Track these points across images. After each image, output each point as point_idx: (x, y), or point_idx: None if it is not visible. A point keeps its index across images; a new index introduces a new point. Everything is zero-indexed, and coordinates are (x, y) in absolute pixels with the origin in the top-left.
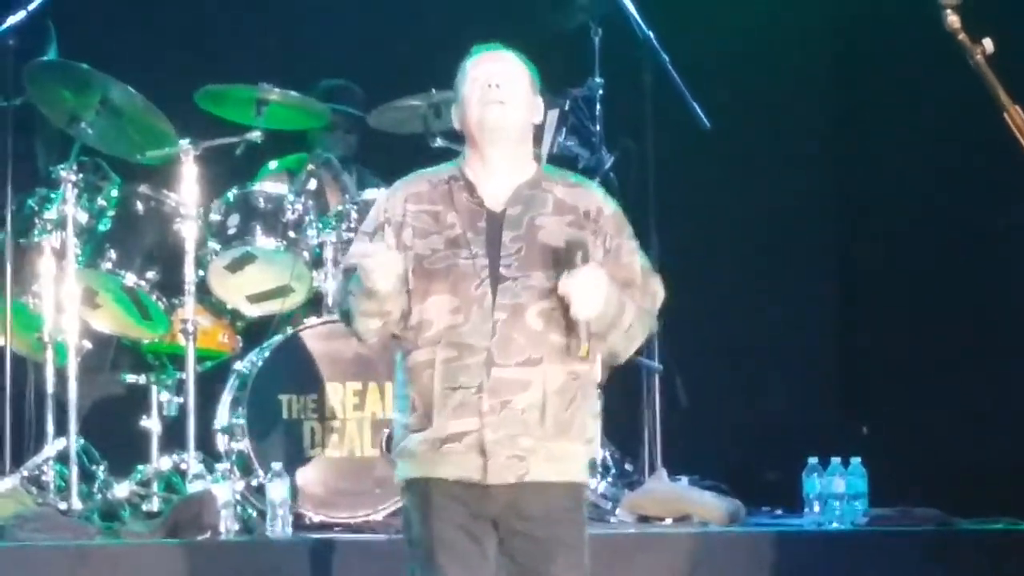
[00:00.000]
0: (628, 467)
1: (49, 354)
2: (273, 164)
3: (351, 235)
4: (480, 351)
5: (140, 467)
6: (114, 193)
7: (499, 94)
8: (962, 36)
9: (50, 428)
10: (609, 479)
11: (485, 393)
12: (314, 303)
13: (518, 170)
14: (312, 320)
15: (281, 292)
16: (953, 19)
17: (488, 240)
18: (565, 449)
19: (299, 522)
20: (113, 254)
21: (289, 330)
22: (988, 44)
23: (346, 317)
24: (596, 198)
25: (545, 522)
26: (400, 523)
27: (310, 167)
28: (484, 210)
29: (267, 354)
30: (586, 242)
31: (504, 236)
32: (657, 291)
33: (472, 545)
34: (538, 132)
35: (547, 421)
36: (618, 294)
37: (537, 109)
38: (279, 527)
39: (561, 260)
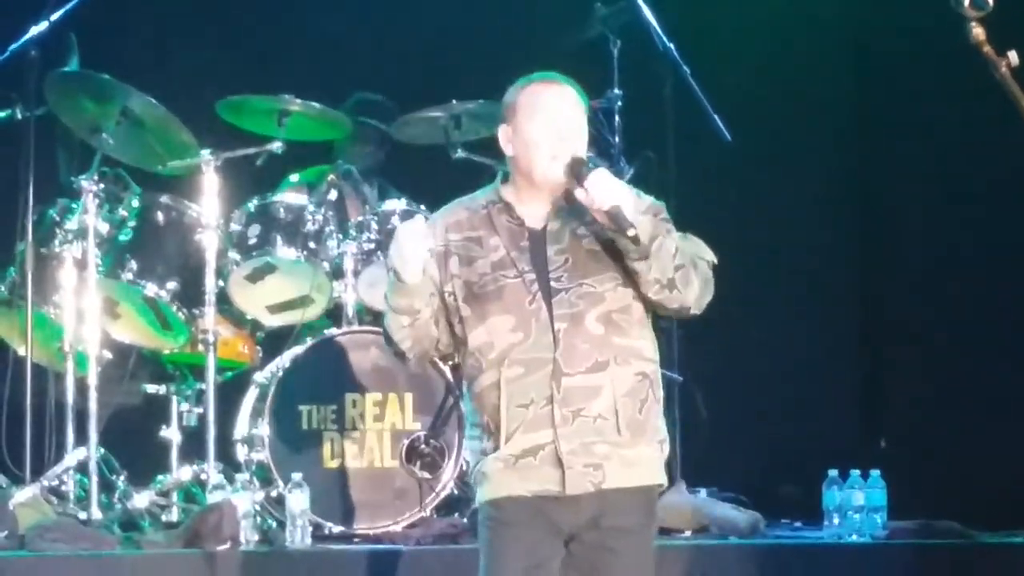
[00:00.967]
0: None
1: (70, 364)
2: (295, 176)
3: (371, 246)
4: (546, 364)
5: (160, 477)
6: (135, 203)
7: (572, 151)
8: (987, 49)
9: (70, 438)
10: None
11: (556, 404)
12: (334, 314)
13: (555, 189)
14: (332, 331)
15: (301, 303)
16: (978, 31)
17: (533, 257)
18: (639, 453)
19: (318, 533)
20: (134, 264)
21: (309, 341)
22: (1013, 57)
23: (387, 334)
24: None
25: (622, 533)
26: (419, 534)
27: (331, 178)
28: (525, 229)
29: (287, 364)
30: (625, 288)
31: (549, 251)
32: (703, 249)
33: (545, 559)
34: None
35: (621, 425)
36: (654, 219)
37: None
38: (298, 537)
39: (569, 174)
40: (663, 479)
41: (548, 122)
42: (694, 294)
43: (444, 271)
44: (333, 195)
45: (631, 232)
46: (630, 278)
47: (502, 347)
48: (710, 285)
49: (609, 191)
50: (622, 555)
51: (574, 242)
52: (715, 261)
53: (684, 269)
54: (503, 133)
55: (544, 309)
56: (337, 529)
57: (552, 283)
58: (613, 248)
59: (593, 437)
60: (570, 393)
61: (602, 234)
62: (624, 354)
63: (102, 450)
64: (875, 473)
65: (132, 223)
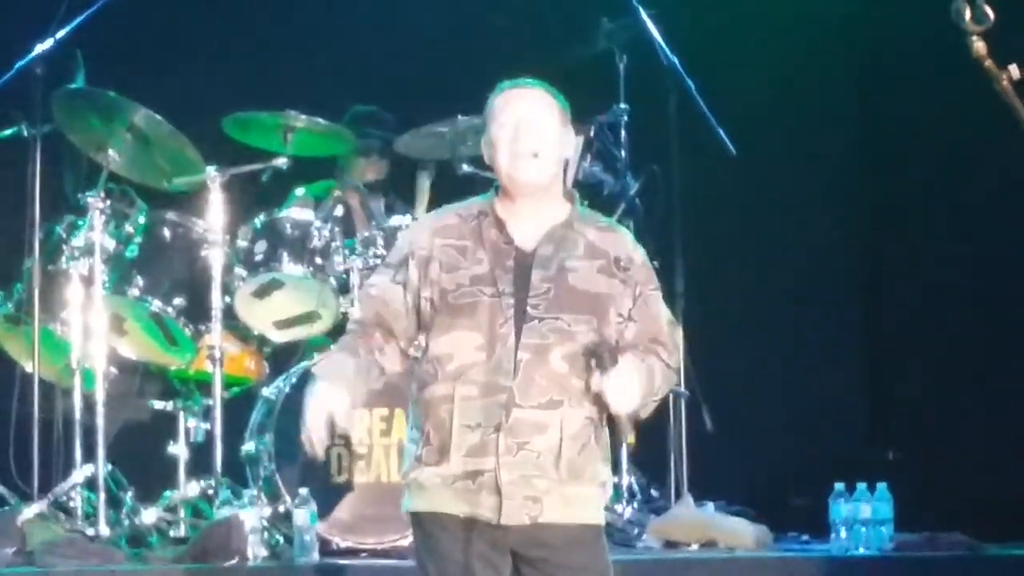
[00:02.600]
0: (654, 493)
1: (77, 380)
2: (301, 191)
3: (378, 261)
4: (502, 390)
5: (167, 493)
6: (141, 220)
7: (529, 146)
8: (988, 63)
9: (78, 454)
10: (635, 505)
11: (503, 433)
12: (341, 329)
13: (550, 209)
14: None
15: (308, 318)
16: (979, 46)
17: (515, 279)
18: (579, 492)
19: (326, 548)
20: (140, 281)
21: (316, 356)
22: (1014, 70)
23: None
24: (627, 245)
25: (565, 549)
26: None
27: (337, 193)
28: (513, 248)
29: (294, 380)
30: (610, 342)
31: (534, 276)
32: (679, 343)
33: (491, 572)
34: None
35: (561, 465)
36: (648, 374)
37: (568, 142)
38: (306, 553)
39: (590, 361)
40: (602, 520)
41: (507, 122)
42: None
43: (424, 275)
44: (339, 211)
45: (628, 439)
46: (604, 326)
47: (462, 363)
48: (672, 384)
49: (623, 399)
50: (565, 569)
51: (560, 273)
52: (680, 346)
53: (657, 403)
54: (484, 147)
55: (512, 335)
56: (344, 544)
57: (529, 309)
58: (596, 350)
59: (533, 471)
60: (518, 425)
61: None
62: (579, 396)
63: (110, 466)
64: (882, 486)
65: (138, 239)
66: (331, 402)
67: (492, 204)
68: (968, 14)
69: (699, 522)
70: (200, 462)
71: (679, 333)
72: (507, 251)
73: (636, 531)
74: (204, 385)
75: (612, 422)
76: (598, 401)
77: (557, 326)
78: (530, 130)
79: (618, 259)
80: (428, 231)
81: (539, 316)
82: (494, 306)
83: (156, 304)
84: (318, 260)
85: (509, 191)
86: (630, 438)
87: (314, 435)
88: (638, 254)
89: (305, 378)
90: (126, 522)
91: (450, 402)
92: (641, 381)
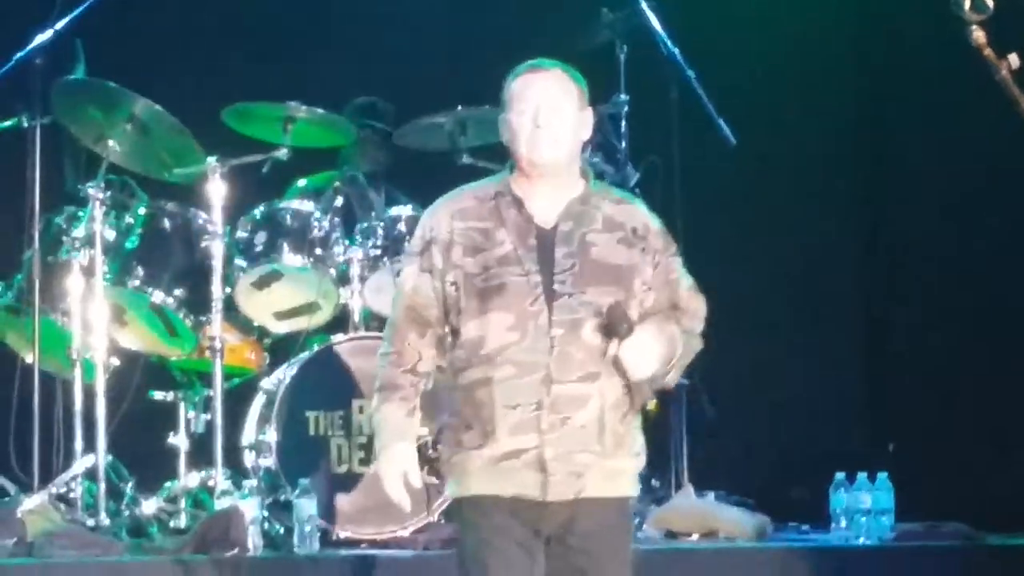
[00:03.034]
0: (655, 483)
1: (77, 371)
2: (302, 182)
3: (377, 252)
4: (539, 368)
5: (168, 484)
6: (141, 211)
7: (549, 132)
8: (988, 52)
9: (78, 445)
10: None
11: (545, 410)
12: (341, 320)
13: (566, 186)
14: (339, 337)
15: (308, 309)
16: (978, 35)
17: (540, 257)
18: (619, 465)
19: (326, 538)
20: (140, 272)
21: (316, 347)
22: (1014, 59)
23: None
24: (642, 215)
25: (598, 536)
26: (426, 539)
27: (337, 184)
28: (534, 226)
29: (294, 371)
30: (625, 306)
31: (557, 252)
32: (701, 309)
33: (527, 560)
34: None
35: (605, 436)
36: (668, 339)
37: (586, 123)
38: (306, 543)
39: (606, 327)
40: (637, 491)
41: (527, 108)
42: (679, 376)
43: (447, 260)
44: (339, 201)
45: (650, 405)
46: (631, 296)
47: (496, 345)
48: (696, 351)
49: (640, 365)
50: (601, 558)
51: (582, 247)
52: (706, 313)
53: (681, 369)
54: (501, 126)
55: (545, 312)
56: (344, 534)
57: (555, 286)
58: (611, 314)
59: (576, 446)
60: (559, 400)
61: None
62: (615, 366)
63: (110, 457)
64: (882, 476)
65: (139, 230)
66: (401, 463)
67: (508, 184)
68: (967, 3)
69: (700, 512)
70: (200, 453)
71: (701, 299)
72: (528, 229)
73: (637, 521)
74: (204, 376)
75: (631, 390)
76: (618, 368)
77: (585, 300)
78: (550, 116)
79: (635, 229)
80: (446, 215)
81: (567, 292)
82: (522, 285)
83: (156, 295)
84: (318, 251)
85: (527, 173)
86: (651, 404)
87: (398, 500)
88: (654, 223)
89: (304, 369)
90: (126, 513)
91: (488, 384)
92: (660, 347)
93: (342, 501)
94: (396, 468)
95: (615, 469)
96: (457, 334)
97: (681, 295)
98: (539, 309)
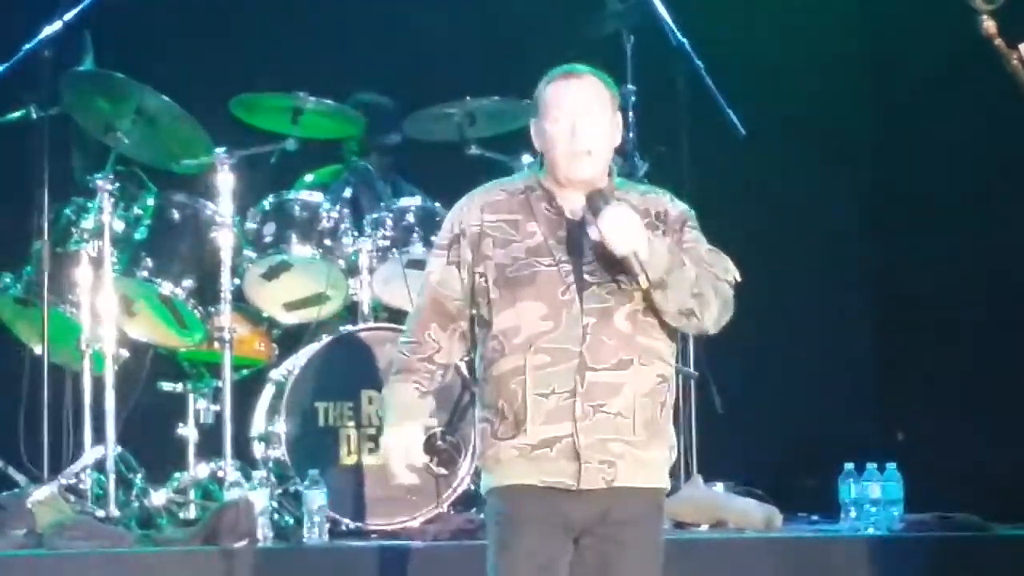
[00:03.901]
0: None
1: (87, 363)
2: (310, 177)
3: (386, 243)
4: (573, 356)
5: (177, 475)
6: (150, 202)
7: (585, 145)
8: (998, 42)
9: (88, 436)
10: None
11: (578, 398)
12: (350, 311)
13: (595, 183)
14: (348, 328)
15: (317, 300)
16: (989, 24)
17: (569, 247)
18: (652, 456)
19: (335, 529)
20: (149, 263)
21: (325, 338)
22: None
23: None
24: (664, 200)
25: (630, 526)
26: (435, 529)
27: (346, 175)
28: (564, 219)
29: (303, 362)
30: (605, 191)
31: (585, 243)
32: (727, 265)
33: (556, 552)
34: None
35: (638, 425)
36: (672, 247)
37: (618, 127)
38: (315, 534)
39: (590, 212)
40: (668, 484)
41: (563, 120)
42: (712, 318)
43: (477, 252)
44: (348, 192)
45: (643, 283)
46: None
47: (529, 333)
48: (729, 306)
49: (623, 236)
50: (630, 547)
51: None
52: (738, 278)
53: (702, 296)
54: (532, 127)
55: (577, 301)
56: (354, 525)
57: (585, 276)
58: (591, 197)
59: (610, 434)
60: (593, 388)
61: (613, 263)
62: (647, 355)
63: (119, 448)
64: (891, 466)
65: (147, 221)
66: (406, 442)
67: (539, 179)
68: None
69: (709, 503)
70: (209, 444)
71: (726, 258)
72: (558, 221)
73: None
74: (213, 367)
75: (625, 271)
76: (610, 259)
77: (615, 287)
78: (585, 128)
79: (658, 214)
80: (477, 208)
81: (597, 281)
82: (553, 275)
83: (165, 286)
84: (327, 242)
85: (562, 183)
86: (643, 283)
87: (401, 479)
88: (675, 206)
89: (313, 360)
90: (136, 504)
91: (522, 373)
92: (650, 237)
93: (351, 492)
94: (401, 446)
95: (647, 459)
96: (489, 325)
97: (700, 254)
98: (571, 298)
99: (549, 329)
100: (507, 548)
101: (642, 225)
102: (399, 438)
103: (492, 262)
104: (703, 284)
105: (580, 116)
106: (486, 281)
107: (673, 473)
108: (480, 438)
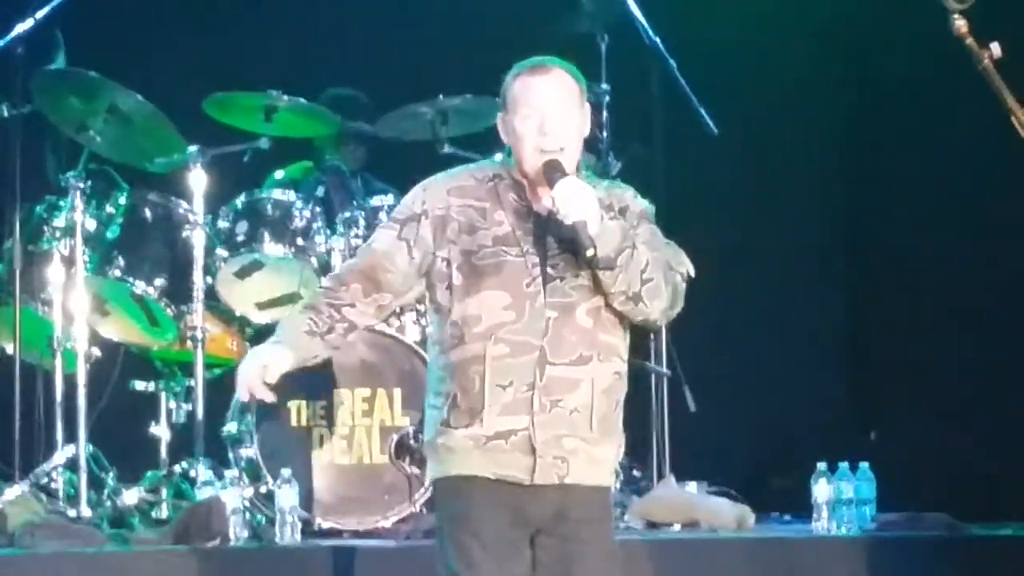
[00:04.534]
0: (636, 473)
1: (58, 362)
2: (279, 173)
3: (359, 241)
4: (533, 349)
5: (149, 474)
6: (122, 200)
7: (554, 142)
8: (969, 41)
9: (59, 435)
10: (617, 485)
11: (537, 391)
12: None
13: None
14: None
15: (290, 299)
16: (960, 23)
17: (536, 240)
18: (603, 452)
19: (308, 529)
20: (122, 261)
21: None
22: (996, 48)
23: None
24: (628, 196)
25: (586, 524)
26: (408, 529)
27: (318, 174)
28: (531, 211)
29: None
30: (560, 162)
31: (550, 237)
32: (682, 258)
33: (511, 549)
34: None
35: (594, 421)
36: (625, 229)
37: (586, 120)
38: (288, 534)
39: (545, 180)
40: (612, 482)
41: (532, 117)
42: (660, 307)
43: (441, 235)
44: (320, 191)
45: (588, 252)
46: None
47: (491, 323)
48: (680, 298)
49: (574, 204)
50: (591, 545)
51: None
52: (692, 273)
53: (653, 283)
54: (500, 122)
55: (541, 294)
56: (327, 525)
57: (549, 270)
58: (548, 167)
59: (565, 430)
60: (552, 382)
61: (564, 237)
62: (606, 351)
63: (91, 447)
64: (864, 466)
65: (120, 220)
66: (265, 359)
67: (508, 169)
68: None
69: (681, 502)
70: (182, 443)
71: (681, 252)
72: (526, 213)
73: (618, 511)
74: (186, 366)
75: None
76: (562, 230)
77: (578, 283)
78: (555, 125)
79: (622, 209)
80: (443, 190)
81: (560, 275)
82: (520, 266)
83: (138, 285)
84: (299, 241)
85: (530, 177)
86: (589, 251)
87: (241, 381)
88: (638, 202)
89: None
90: (108, 503)
91: (481, 363)
92: (593, 199)
93: (324, 491)
94: (258, 362)
95: (599, 456)
96: (447, 311)
97: (656, 247)
98: (536, 291)
99: (511, 320)
100: (460, 544)
101: (595, 199)
102: (261, 356)
103: (457, 247)
104: (654, 271)
105: (549, 112)
106: (448, 266)
107: (644, 472)
108: (429, 424)
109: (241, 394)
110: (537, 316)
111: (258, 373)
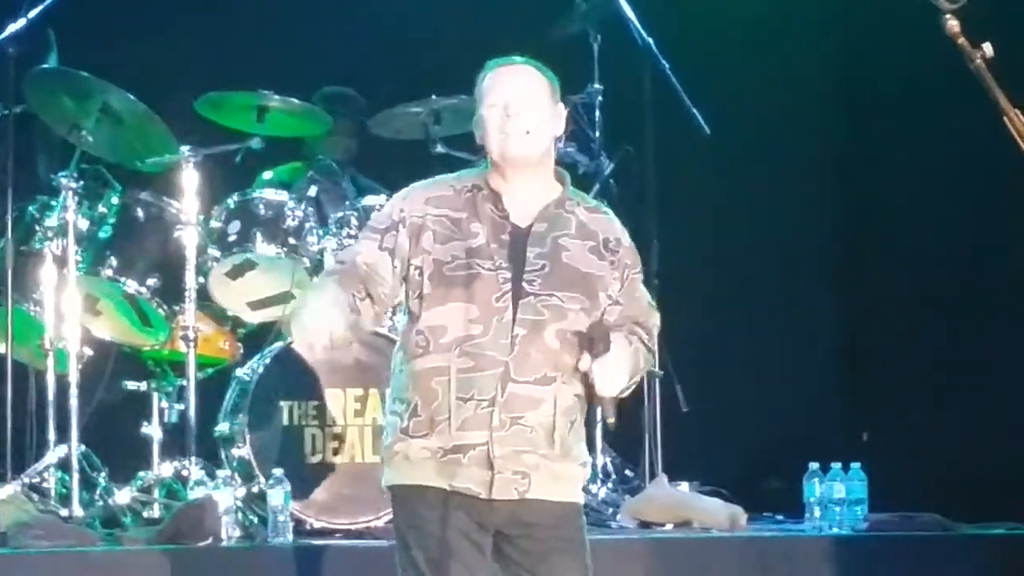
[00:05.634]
0: (629, 473)
1: (50, 361)
2: (268, 174)
3: (351, 241)
4: (498, 364)
5: (141, 474)
6: (115, 200)
7: (519, 124)
8: (962, 40)
9: (51, 435)
10: (610, 485)
11: (497, 407)
12: None
13: (542, 186)
14: None
15: (282, 299)
16: (952, 23)
17: (511, 254)
18: (566, 469)
19: (300, 528)
20: (114, 261)
21: (290, 336)
22: (988, 48)
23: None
24: (615, 228)
25: (546, 527)
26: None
27: (311, 173)
28: (509, 223)
29: (268, 361)
30: (607, 329)
31: (529, 252)
32: (657, 326)
33: (474, 551)
34: None
35: (555, 441)
36: (633, 356)
37: (559, 119)
38: (280, 533)
39: (589, 341)
40: (582, 499)
41: (497, 102)
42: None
43: (416, 244)
44: (312, 191)
45: (610, 420)
46: (595, 306)
47: (457, 335)
48: (650, 362)
49: (611, 384)
50: (553, 544)
51: (555, 250)
52: (658, 327)
53: (637, 383)
54: (475, 127)
55: (510, 309)
56: (319, 524)
57: (524, 285)
58: (593, 333)
59: (525, 447)
60: (513, 399)
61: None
62: (569, 374)
63: (83, 447)
64: (856, 466)
65: (112, 220)
66: (336, 322)
67: (486, 178)
68: None
69: (673, 502)
70: (174, 443)
71: (657, 316)
72: (502, 225)
73: (610, 511)
74: (178, 366)
75: (593, 402)
76: (585, 380)
77: (551, 303)
78: (520, 108)
79: (607, 240)
80: (421, 199)
81: (534, 292)
82: (491, 280)
83: (130, 284)
84: (291, 240)
85: (501, 168)
86: (611, 418)
87: (312, 336)
88: (625, 237)
89: (278, 359)
90: (99, 503)
91: (444, 374)
92: (628, 365)
93: (316, 491)
94: (325, 324)
95: (561, 472)
96: (416, 319)
97: (644, 312)
98: (504, 306)
99: (477, 333)
100: (424, 546)
101: (627, 369)
102: (327, 316)
103: (430, 256)
104: (643, 372)
105: (514, 97)
106: (420, 274)
107: (636, 472)
108: (388, 430)
109: (309, 351)
110: (503, 331)
111: (326, 336)
